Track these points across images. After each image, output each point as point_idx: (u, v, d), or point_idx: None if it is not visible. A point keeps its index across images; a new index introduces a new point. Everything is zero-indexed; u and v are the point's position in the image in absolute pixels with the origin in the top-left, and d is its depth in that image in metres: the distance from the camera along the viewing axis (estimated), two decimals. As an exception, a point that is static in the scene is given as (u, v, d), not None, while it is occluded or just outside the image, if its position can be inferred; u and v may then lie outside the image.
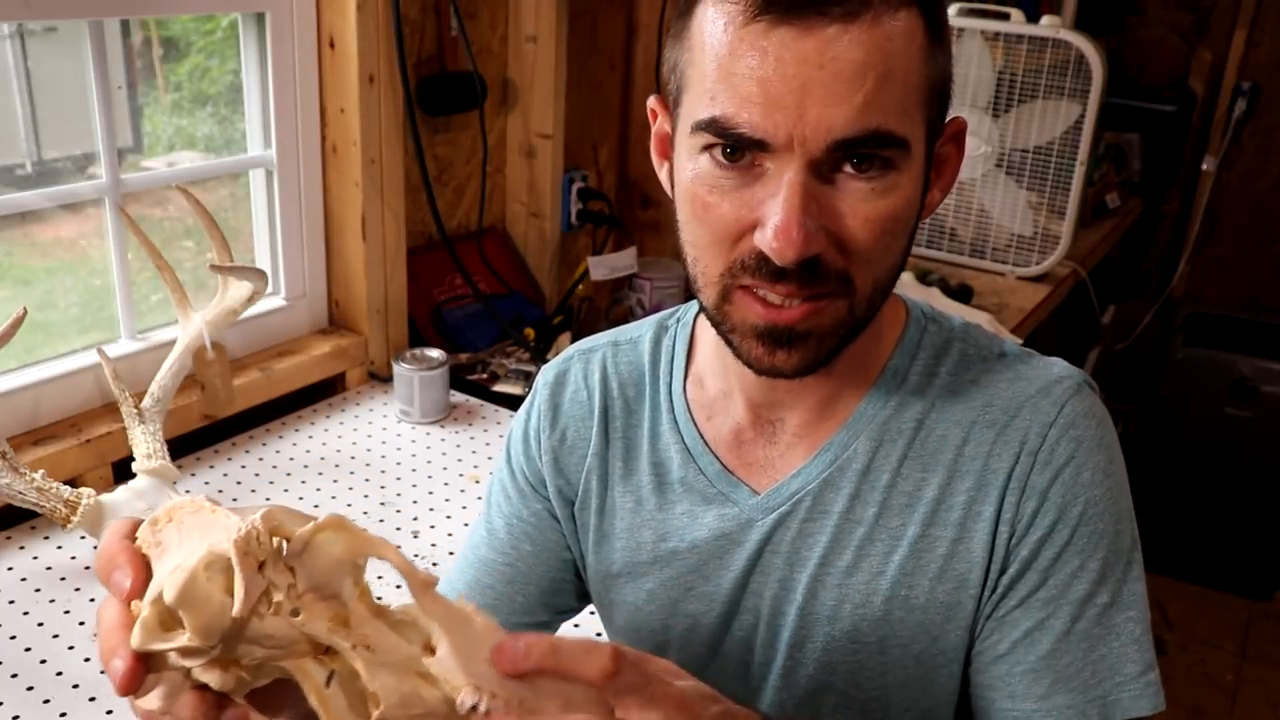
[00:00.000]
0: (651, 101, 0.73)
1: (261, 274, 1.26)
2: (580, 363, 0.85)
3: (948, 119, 0.68)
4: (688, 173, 0.65)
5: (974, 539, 0.70)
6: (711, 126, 0.62)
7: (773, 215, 0.61)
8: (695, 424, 0.79)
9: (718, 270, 0.66)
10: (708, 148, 0.63)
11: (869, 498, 0.72)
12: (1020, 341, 0.80)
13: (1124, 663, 0.69)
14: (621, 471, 0.81)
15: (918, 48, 0.61)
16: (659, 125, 0.72)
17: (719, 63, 0.61)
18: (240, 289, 1.27)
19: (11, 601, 1.06)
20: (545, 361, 1.65)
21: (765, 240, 0.61)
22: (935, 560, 0.71)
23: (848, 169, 0.61)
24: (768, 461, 0.76)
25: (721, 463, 0.77)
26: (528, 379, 1.62)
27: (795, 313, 0.64)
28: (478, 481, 1.35)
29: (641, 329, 0.84)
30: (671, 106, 0.68)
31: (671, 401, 0.80)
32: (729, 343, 0.69)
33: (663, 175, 0.72)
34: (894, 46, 0.60)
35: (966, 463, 0.70)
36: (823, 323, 0.65)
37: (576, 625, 1.08)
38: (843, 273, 0.63)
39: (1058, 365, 0.73)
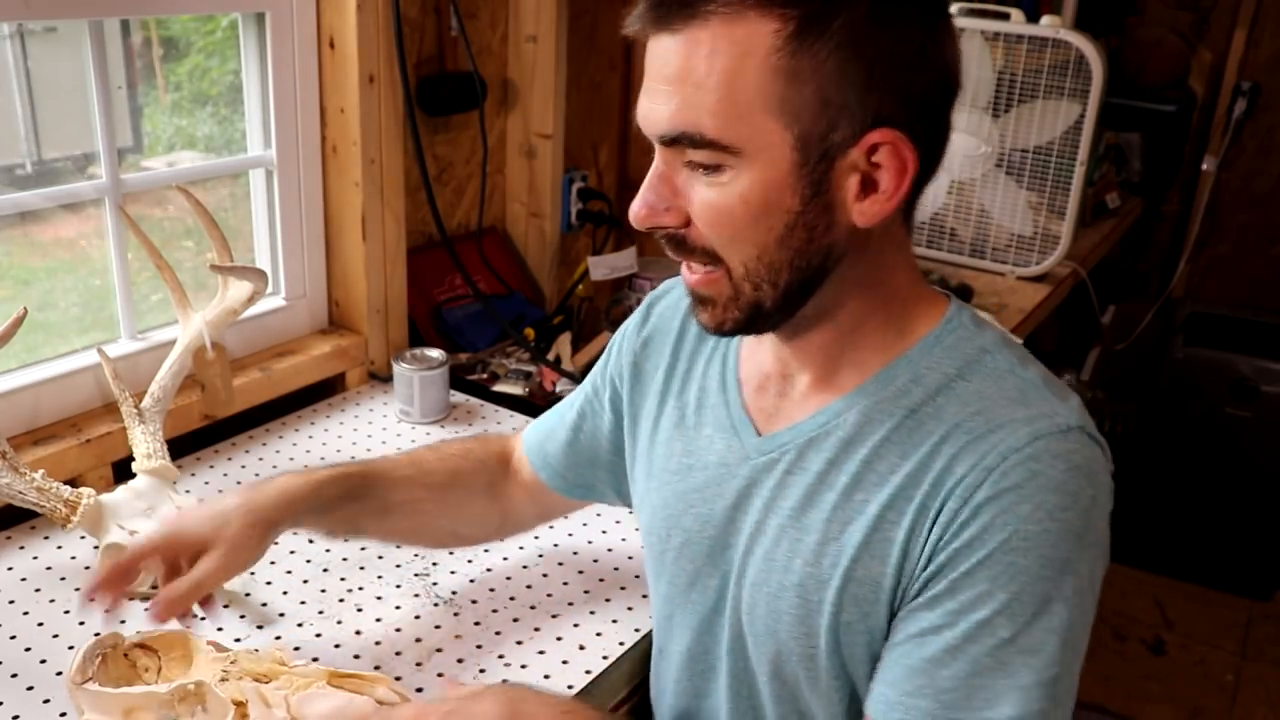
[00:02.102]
0: None
1: (261, 274, 1.27)
2: (683, 287, 0.93)
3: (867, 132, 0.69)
4: None
5: (920, 531, 0.72)
6: None
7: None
8: (739, 357, 0.87)
9: None
10: None
11: (844, 467, 0.77)
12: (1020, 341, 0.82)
13: (1000, 702, 0.68)
14: (678, 389, 0.91)
15: (758, 61, 0.67)
16: None
17: None
18: (240, 289, 1.28)
19: (11, 601, 1.06)
20: (545, 362, 1.66)
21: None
22: (882, 543, 0.74)
23: (688, 160, 0.71)
24: (775, 410, 0.83)
25: (743, 399, 0.85)
26: (528, 379, 1.62)
27: (692, 278, 0.77)
28: (478, 481, 1.35)
29: None
30: None
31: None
32: None
33: None
34: (718, 59, 0.67)
35: (937, 460, 0.72)
36: (715, 292, 0.76)
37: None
38: (706, 249, 0.74)
39: (1065, 406, 0.72)
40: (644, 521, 0.94)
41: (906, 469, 0.74)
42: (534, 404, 1.57)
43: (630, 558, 1.19)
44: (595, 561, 1.18)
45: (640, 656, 1.04)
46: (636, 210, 0.74)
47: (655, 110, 0.70)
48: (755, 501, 0.82)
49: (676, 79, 0.68)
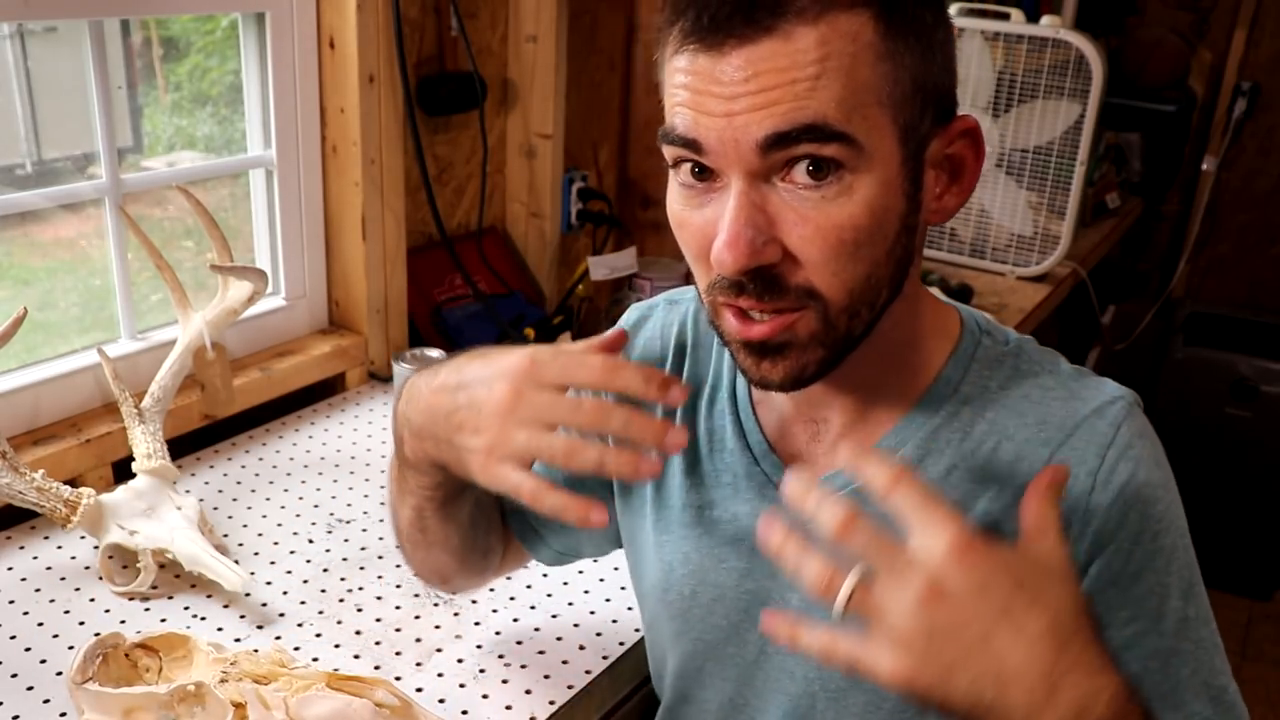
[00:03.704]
0: None
1: (261, 274, 1.27)
2: (663, 312, 0.88)
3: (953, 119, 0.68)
4: (670, 191, 0.69)
5: None
6: (664, 138, 0.66)
7: (722, 229, 0.63)
8: (751, 400, 0.80)
9: (704, 286, 0.69)
10: (676, 165, 0.67)
11: None
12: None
13: (1215, 674, 0.71)
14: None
15: (864, 47, 0.61)
16: None
17: (670, 87, 0.65)
18: (240, 289, 1.28)
19: (11, 601, 1.06)
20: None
21: (715, 254, 0.64)
22: None
23: (794, 177, 0.63)
24: (810, 458, 0.77)
25: (769, 444, 0.79)
26: (528, 379, 1.62)
27: (764, 328, 0.66)
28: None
29: None
30: None
31: (736, 371, 0.82)
32: (731, 354, 0.71)
33: None
34: (829, 49, 0.61)
35: (1020, 480, 0.70)
36: (797, 335, 0.66)
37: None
38: (804, 285, 0.64)
39: (1109, 385, 0.73)
40: (654, 578, 0.86)
41: (986, 496, 0.71)
42: (534, 404, 1.56)
43: (630, 558, 1.19)
44: (595, 561, 1.17)
45: (641, 658, 1.04)
46: (729, 251, 0.62)
47: (748, 119, 0.61)
48: None
49: (780, 81, 0.60)
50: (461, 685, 0.98)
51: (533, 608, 1.10)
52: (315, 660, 1.00)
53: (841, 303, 0.65)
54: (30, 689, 0.94)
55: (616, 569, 1.17)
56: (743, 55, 0.61)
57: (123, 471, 1.22)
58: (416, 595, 1.10)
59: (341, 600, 1.09)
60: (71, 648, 0.97)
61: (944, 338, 0.75)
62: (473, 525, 0.88)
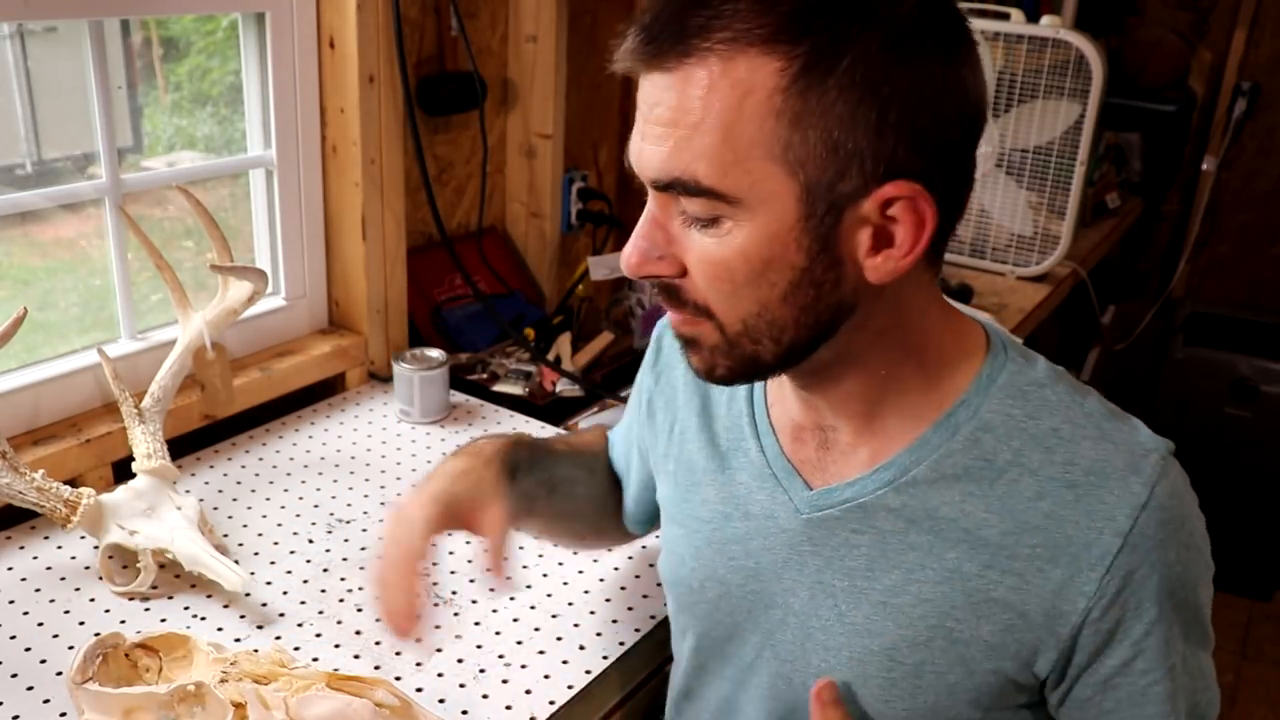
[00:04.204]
0: None
1: (261, 274, 1.27)
2: None
3: (886, 182, 0.63)
4: None
5: (1032, 592, 0.69)
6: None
7: (631, 236, 0.69)
8: (766, 402, 0.82)
9: None
10: None
11: (925, 525, 0.72)
12: (1021, 341, 0.81)
13: (1211, 681, 0.73)
14: (698, 425, 0.86)
15: (759, 99, 0.61)
16: None
17: None
18: (240, 289, 1.28)
19: (11, 601, 1.06)
20: (545, 362, 1.66)
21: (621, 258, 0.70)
22: (987, 602, 0.70)
23: (683, 209, 0.66)
24: (820, 462, 0.78)
25: (780, 447, 0.80)
26: (528, 379, 1.62)
27: (676, 318, 0.71)
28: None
29: None
30: None
31: None
32: None
33: None
34: (716, 96, 0.61)
35: (1039, 517, 0.69)
36: (701, 339, 0.71)
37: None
38: (697, 302, 0.69)
39: (1143, 431, 0.72)
40: (669, 567, 0.88)
41: (1002, 527, 0.70)
42: (534, 404, 1.57)
43: (630, 558, 1.19)
44: (595, 561, 1.18)
45: (641, 657, 1.04)
46: (628, 258, 0.68)
47: (647, 152, 0.65)
48: (813, 560, 0.77)
49: (670, 120, 0.63)
50: (461, 685, 0.98)
51: (533, 608, 1.10)
52: (315, 660, 1.00)
53: (735, 327, 0.68)
54: (30, 689, 0.94)
55: (616, 569, 1.17)
56: (654, 83, 0.64)
57: (123, 471, 1.22)
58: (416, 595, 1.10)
59: (341, 600, 1.09)
60: (71, 648, 0.98)
61: (966, 359, 0.74)
62: (568, 516, 1.03)
